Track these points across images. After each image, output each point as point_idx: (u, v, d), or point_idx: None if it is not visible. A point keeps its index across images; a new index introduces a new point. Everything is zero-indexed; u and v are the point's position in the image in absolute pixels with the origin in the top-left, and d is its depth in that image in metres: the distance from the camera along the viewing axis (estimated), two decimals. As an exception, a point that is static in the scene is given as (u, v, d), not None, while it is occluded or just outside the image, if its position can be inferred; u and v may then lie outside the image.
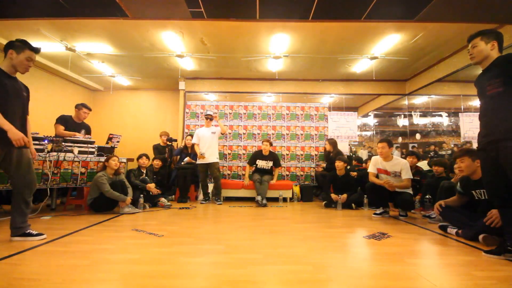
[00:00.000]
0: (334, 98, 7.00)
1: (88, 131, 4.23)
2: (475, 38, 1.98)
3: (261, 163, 4.86)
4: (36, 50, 2.18)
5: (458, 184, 2.61)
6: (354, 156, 6.27)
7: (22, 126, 2.15)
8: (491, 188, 1.96)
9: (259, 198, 4.35)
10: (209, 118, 4.69)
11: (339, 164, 4.23)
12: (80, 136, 3.90)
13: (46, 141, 3.35)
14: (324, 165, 5.33)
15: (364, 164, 5.11)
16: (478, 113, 2.00)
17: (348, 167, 4.48)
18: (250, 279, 1.51)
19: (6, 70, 2.09)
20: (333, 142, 5.17)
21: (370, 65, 5.47)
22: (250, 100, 6.36)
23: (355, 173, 4.49)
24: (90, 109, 4.21)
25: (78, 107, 4.11)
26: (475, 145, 4.73)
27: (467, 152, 2.45)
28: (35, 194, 4.07)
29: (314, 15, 3.78)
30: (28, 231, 2.17)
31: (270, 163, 4.87)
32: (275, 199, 4.73)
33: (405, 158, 3.93)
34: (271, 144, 4.95)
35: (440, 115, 6.59)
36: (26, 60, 2.12)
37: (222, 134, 4.81)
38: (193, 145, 4.93)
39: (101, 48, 4.91)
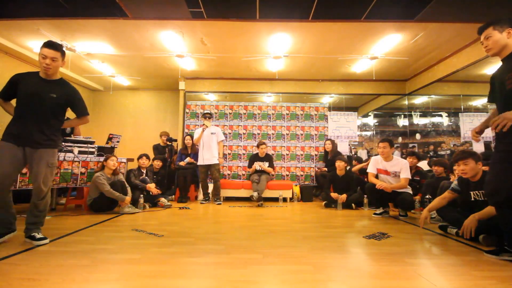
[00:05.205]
0: (334, 98, 7.00)
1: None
2: (486, 28, 1.82)
3: (258, 165, 5.02)
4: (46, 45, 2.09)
5: (456, 182, 2.61)
6: (354, 156, 6.27)
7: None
8: (493, 188, 1.79)
9: (254, 194, 4.35)
10: (208, 116, 4.69)
11: (339, 164, 4.23)
12: None
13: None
14: (325, 168, 5.36)
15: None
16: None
17: (348, 167, 4.48)
18: (250, 279, 1.51)
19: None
20: (332, 142, 5.22)
21: (370, 65, 5.47)
22: (250, 100, 6.36)
23: (356, 167, 4.57)
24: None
25: None
26: (475, 146, 4.71)
27: (471, 155, 2.42)
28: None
29: (314, 15, 3.78)
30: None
31: (266, 164, 5.01)
32: (275, 199, 4.73)
33: (405, 158, 3.93)
34: (266, 146, 5.20)
35: (440, 115, 6.58)
36: (42, 58, 2.09)
37: (219, 141, 4.78)
38: (192, 144, 4.93)
39: (101, 48, 4.91)
